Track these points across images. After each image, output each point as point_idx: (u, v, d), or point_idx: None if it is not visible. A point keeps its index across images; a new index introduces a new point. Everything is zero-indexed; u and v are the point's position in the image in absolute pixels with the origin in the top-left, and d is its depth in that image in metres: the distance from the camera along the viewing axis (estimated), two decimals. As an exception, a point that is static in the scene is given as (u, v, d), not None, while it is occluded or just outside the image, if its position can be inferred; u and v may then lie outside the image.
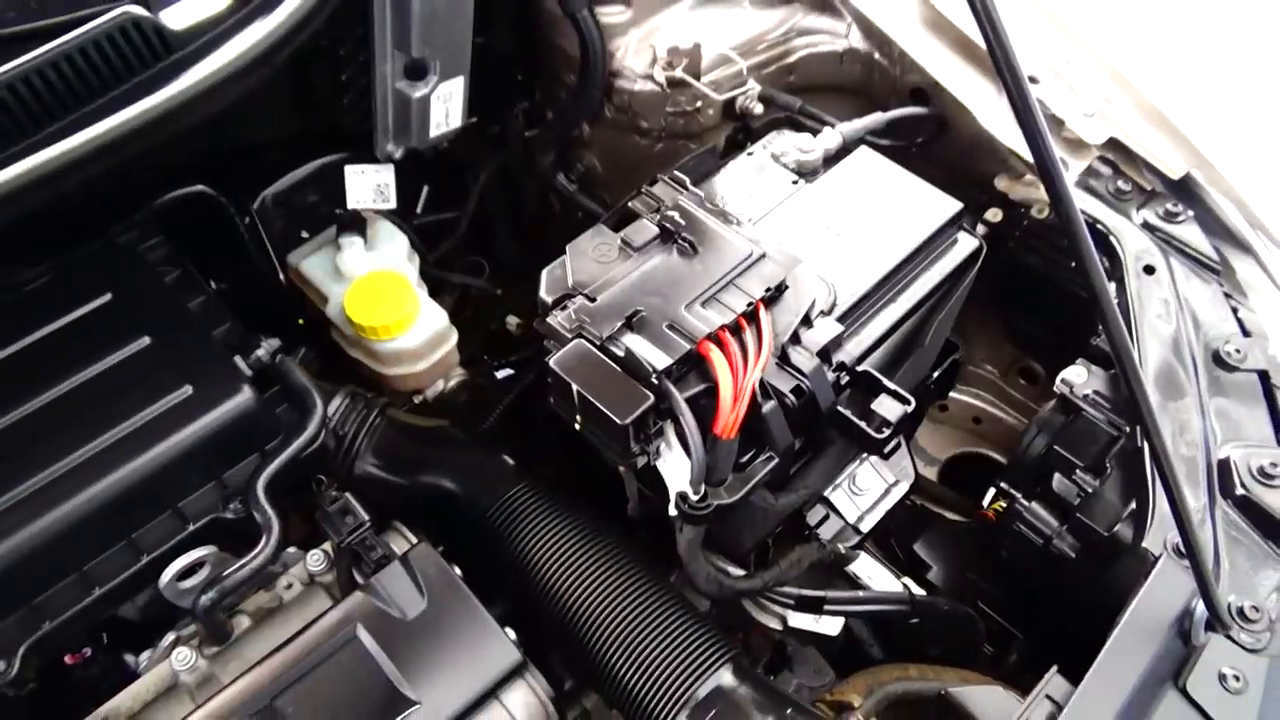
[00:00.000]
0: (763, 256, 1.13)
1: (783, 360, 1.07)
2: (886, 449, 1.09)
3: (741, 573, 1.23)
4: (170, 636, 1.04)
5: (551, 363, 1.04)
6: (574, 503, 1.18)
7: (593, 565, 1.12)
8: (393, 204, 1.50)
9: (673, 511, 1.08)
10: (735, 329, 1.06)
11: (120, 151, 1.00)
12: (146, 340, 1.05)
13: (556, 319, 1.10)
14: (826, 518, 1.38)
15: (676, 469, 1.07)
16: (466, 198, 1.70)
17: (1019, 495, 1.28)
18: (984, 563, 1.48)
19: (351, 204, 1.47)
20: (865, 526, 1.38)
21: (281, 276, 1.40)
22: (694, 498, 1.03)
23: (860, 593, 1.30)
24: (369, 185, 1.50)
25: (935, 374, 1.44)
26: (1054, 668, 0.96)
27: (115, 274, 1.11)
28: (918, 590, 1.36)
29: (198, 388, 1.02)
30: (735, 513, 1.14)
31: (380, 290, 1.31)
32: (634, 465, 1.06)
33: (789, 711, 1.02)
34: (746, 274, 1.11)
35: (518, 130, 1.64)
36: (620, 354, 1.03)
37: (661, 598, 1.11)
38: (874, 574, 1.34)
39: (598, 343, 1.04)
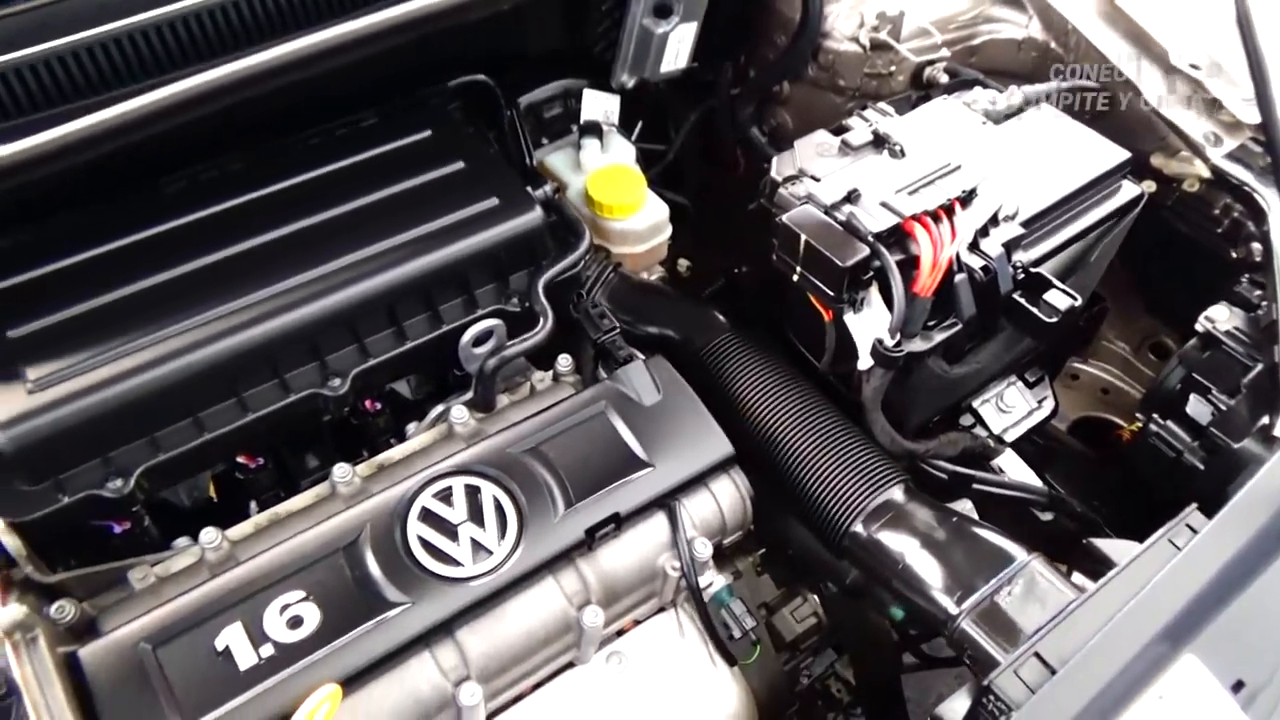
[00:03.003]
0: (959, 167, 1.34)
1: (972, 246, 1.27)
2: (1051, 335, 1.28)
3: (906, 441, 1.42)
4: (440, 407, 1.28)
5: (784, 219, 1.27)
6: (773, 351, 1.39)
7: (787, 398, 1.32)
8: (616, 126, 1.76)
9: (865, 362, 1.29)
10: (935, 216, 1.27)
11: (435, 23, 1.26)
12: (461, 164, 1.32)
13: (787, 190, 1.33)
14: (974, 426, 1.57)
15: (873, 323, 1.28)
16: (666, 138, 1.95)
17: (1155, 415, 1.44)
18: (1109, 496, 1.63)
19: (584, 120, 1.74)
20: (1008, 438, 1.56)
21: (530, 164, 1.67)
22: (889, 343, 1.24)
23: (1006, 478, 1.47)
24: (600, 108, 1.77)
25: (1084, 316, 1.63)
26: (1194, 505, 1.12)
27: (433, 119, 1.38)
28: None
29: (501, 201, 1.28)
30: (913, 377, 1.34)
31: (617, 178, 1.57)
32: (840, 312, 1.27)
33: (954, 520, 1.20)
34: (945, 178, 1.32)
35: (725, 83, 1.90)
36: (842, 218, 1.25)
37: (844, 428, 1.30)
38: (1015, 471, 1.51)
39: (823, 208, 1.27)
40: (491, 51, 1.60)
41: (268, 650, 1.00)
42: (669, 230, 1.63)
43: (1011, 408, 1.58)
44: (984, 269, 1.25)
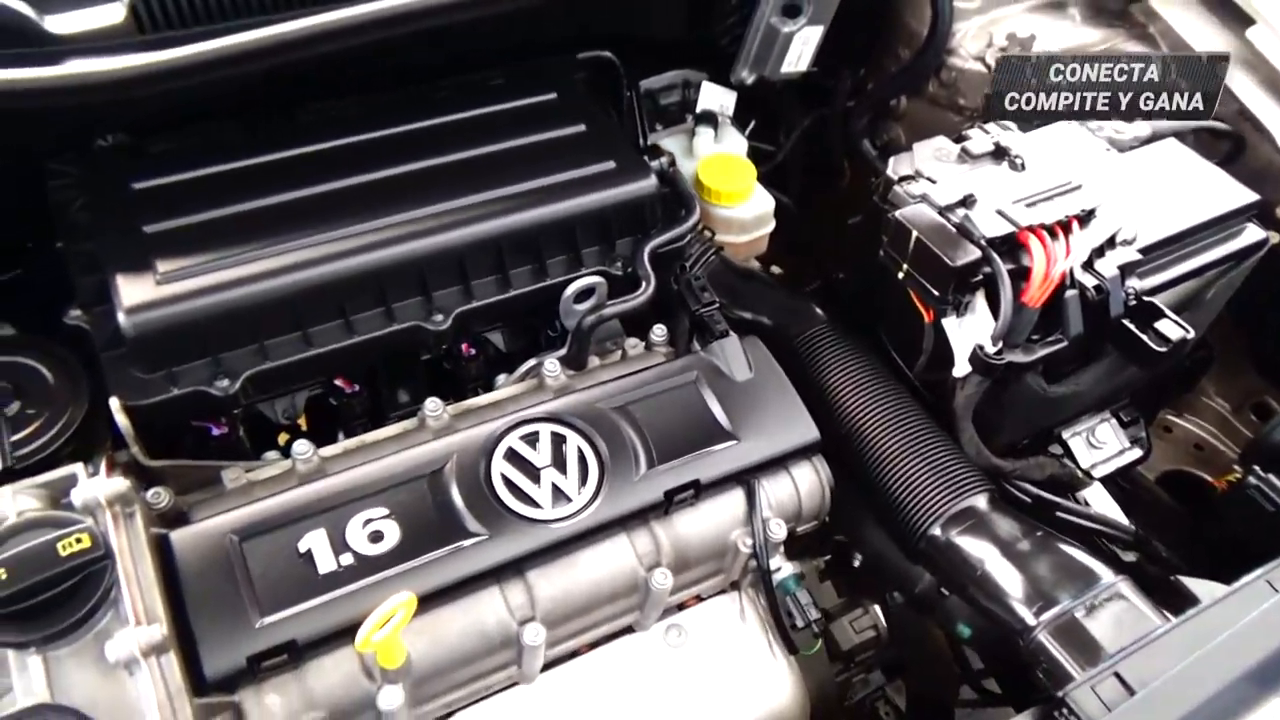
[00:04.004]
0: (1079, 187, 1.32)
1: (1086, 265, 1.25)
2: (1158, 365, 1.25)
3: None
4: (532, 361, 1.29)
5: (898, 214, 1.26)
6: (866, 347, 1.38)
7: (878, 396, 1.31)
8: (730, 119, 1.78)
9: (961, 368, 1.27)
10: (1051, 231, 1.25)
11: None
12: (583, 127, 1.34)
13: (902, 188, 1.33)
14: (1062, 457, 1.53)
15: (975, 329, 1.26)
16: (775, 141, 1.96)
17: (1256, 467, 1.39)
18: (1197, 546, 1.57)
19: (700, 109, 1.76)
20: (1096, 474, 1.52)
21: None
22: (991, 350, 1.22)
23: (1092, 510, 1.43)
24: (716, 100, 1.79)
25: (1189, 359, 1.58)
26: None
27: (558, 84, 1.41)
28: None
29: (618, 165, 1.30)
30: (1008, 391, 1.32)
31: (728, 166, 1.58)
32: (942, 314, 1.26)
33: (1039, 534, 1.17)
34: (1065, 195, 1.30)
35: (842, 92, 1.91)
36: (956, 220, 1.24)
37: (933, 432, 1.28)
38: (1102, 507, 1.47)
39: (937, 209, 1.26)
40: (616, 33, 1.63)
41: (347, 559, 1.02)
42: (772, 224, 1.63)
43: (1103, 444, 1.54)
44: (1096, 288, 1.22)
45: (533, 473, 1.11)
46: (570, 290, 1.22)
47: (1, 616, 0.85)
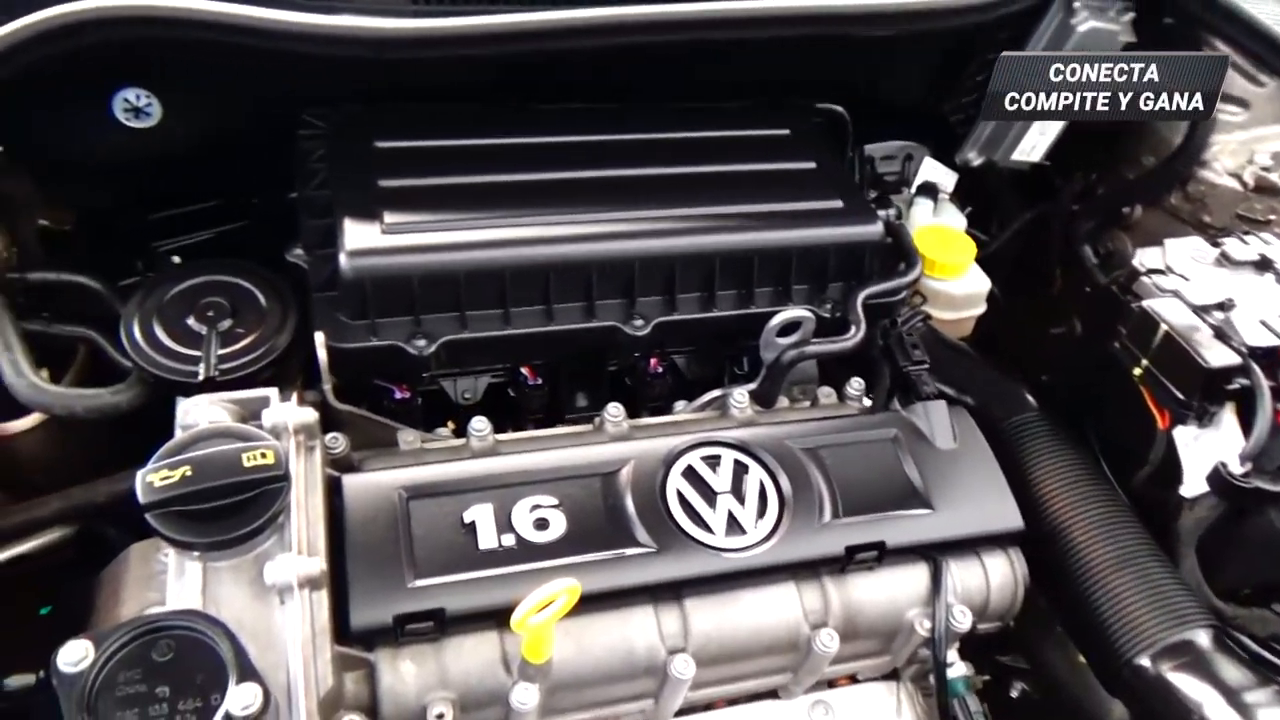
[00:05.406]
0: (1357, 313, 1.18)
1: (1361, 399, 1.10)
2: None
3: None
4: (718, 391, 1.23)
5: (1145, 304, 1.16)
6: (1082, 447, 1.26)
7: (1091, 498, 1.17)
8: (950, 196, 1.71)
9: (1193, 487, 1.13)
10: (1322, 353, 1.12)
11: (830, 25, 1.28)
12: (813, 164, 1.31)
13: (1150, 279, 1.22)
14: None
15: (1215, 445, 1.13)
16: (986, 230, 1.87)
17: None
18: None
19: (921, 180, 1.70)
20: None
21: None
22: (1238, 471, 1.08)
23: (1321, 683, 1.23)
24: (936, 175, 1.73)
25: None
26: None
27: (792, 122, 1.39)
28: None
29: (846, 206, 1.25)
30: (1245, 524, 1.16)
31: (947, 238, 1.51)
32: (1180, 422, 1.13)
33: (1276, 689, 1.00)
34: (1339, 320, 1.17)
35: (1070, 192, 1.81)
36: (1212, 323, 1.13)
37: (1152, 551, 1.13)
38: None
39: (1192, 307, 1.15)
40: (850, 88, 1.60)
41: (509, 540, 0.97)
42: (982, 308, 1.54)
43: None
44: (1375, 425, 1.08)
45: (709, 496, 1.04)
46: (776, 320, 1.17)
47: (177, 514, 0.84)
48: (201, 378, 1.02)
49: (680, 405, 1.24)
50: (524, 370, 1.21)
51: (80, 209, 1.37)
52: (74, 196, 1.34)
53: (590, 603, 0.96)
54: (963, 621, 1.05)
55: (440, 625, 0.91)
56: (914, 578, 1.08)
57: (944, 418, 1.16)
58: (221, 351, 1.05)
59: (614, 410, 1.13)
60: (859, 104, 1.61)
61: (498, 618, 0.93)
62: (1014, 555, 1.12)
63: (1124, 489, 1.25)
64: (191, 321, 1.08)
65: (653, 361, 1.25)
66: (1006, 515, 1.11)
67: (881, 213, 1.29)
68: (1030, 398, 1.31)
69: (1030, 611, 1.17)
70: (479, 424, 1.08)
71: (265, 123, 1.29)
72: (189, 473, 0.84)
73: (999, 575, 1.11)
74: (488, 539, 0.96)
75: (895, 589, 1.07)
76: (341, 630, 0.88)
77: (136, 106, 1.23)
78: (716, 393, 1.22)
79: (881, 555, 1.05)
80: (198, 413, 0.95)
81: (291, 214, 1.22)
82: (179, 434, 0.91)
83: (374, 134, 1.22)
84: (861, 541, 1.04)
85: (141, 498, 0.83)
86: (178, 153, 1.30)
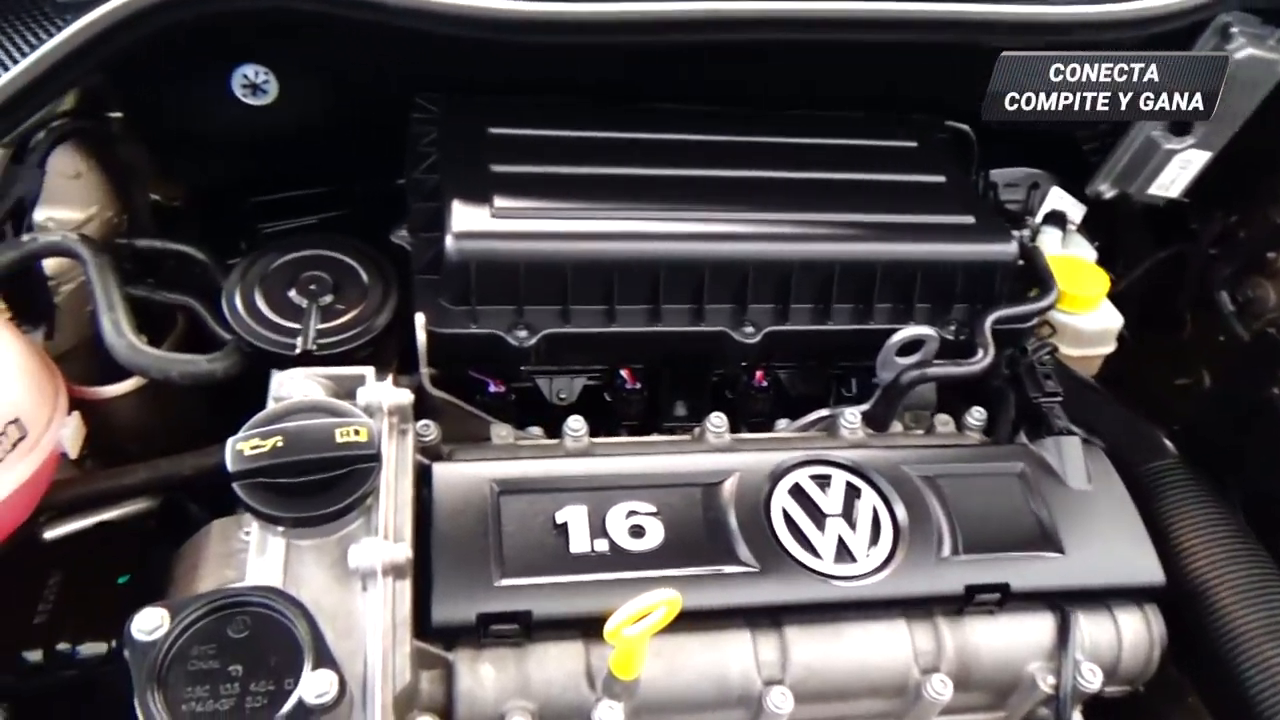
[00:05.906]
0: None
1: None
2: None
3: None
4: (826, 410, 1.16)
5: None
6: (1229, 503, 1.14)
7: (1239, 558, 1.06)
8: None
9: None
10: None
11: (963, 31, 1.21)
12: (943, 179, 1.23)
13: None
14: None
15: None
16: (1111, 269, 1.76)
17: None
18: None
19: (1048, 209, 1.61)
20: None
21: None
22: None
23: None
24: (1064, 205, 1.63)
25: None
26: None
27: (920, 135, 1.32)
28: None
29: (978, 223, 1.17)
30: None
31: (1079, 270, 1.42)
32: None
33: None
34: None
35: (1209, 234, 1.69)
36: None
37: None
38: None
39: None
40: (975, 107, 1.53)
41: (602, 545, 0.91)
42: (1112, 347, 1.43)
43: None
44: None
45: (818, 518, 0.97)
46: (897, 338, 1.09)
47: (265, 486, 0.80)
48: (298, 351, 1.00)
49: (783, 424, 1.17)
50: (623, 373, 1.15)
51: (190, 185, 1.38)
52: (185, 171, 1.35)
53: (683, 621, 0.89)
54: (1092, 681, 0.95)
55: (526, 629, 0.85)
56: (1038, 627, 0.98)
57: (1078, 455, 1.06)
58: (320, 326, 1.02)
59: (716, 420, 1.06)
60: (984, 125, 1.53)
61: (584, 627, 0.87)
62: (1151, 613, 1.01)
63: (1272, 552, 1.13)
64: (293, 294, 1.06)
65: (758, 374, 1.18)
66: (1146, 567, 1.00)
67: (1015, 234, 1.21)
68: (1169, 443, 1.20)
69: (1159, 679, 1.06)
70: (575, 423, 1.03)
71: (374, 107, 1.28)
72: (280, 443, 0.80)
73: (1132, 633, 1.00)
74: (580, 542, 0.90)
75: (1016, 637, 0.98)
76: (421, 626, 0.83)
77: (254, 83, 1.22)
78: (824, 412, 1.14)
79: (1004, 598, 0.95)
80: (292, 385, 0.92)
81: (393, 202, 1.20)
82: (272, 405, 0.88)
83: (487, 120, 1.19)
84: (983, 582, 0.95)
85: (230, 465, 0.80)
86: (289, 133, 1.29)
